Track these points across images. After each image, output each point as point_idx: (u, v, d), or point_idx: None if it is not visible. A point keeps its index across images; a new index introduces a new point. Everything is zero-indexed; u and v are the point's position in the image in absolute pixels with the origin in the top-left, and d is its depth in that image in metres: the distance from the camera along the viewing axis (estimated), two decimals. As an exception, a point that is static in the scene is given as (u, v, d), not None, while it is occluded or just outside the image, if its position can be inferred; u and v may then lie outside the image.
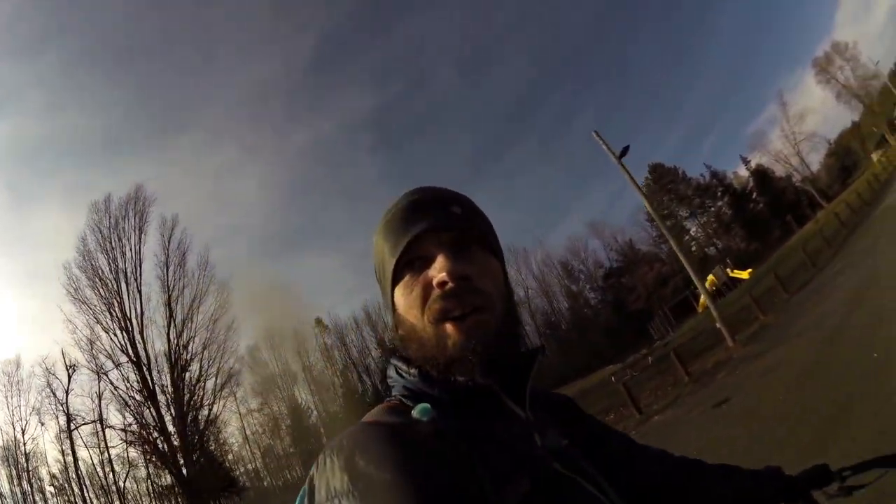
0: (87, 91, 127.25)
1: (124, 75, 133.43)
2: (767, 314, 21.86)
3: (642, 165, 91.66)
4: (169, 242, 44.14)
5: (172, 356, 41.27)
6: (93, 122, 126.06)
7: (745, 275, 56.88)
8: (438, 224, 1.04)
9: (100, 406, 40.91)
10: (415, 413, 0.97)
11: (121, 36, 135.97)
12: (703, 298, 59.27)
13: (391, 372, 1.12)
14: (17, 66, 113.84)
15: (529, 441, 1.04)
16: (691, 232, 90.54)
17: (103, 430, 41.31)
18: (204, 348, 43.02)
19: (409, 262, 1.06)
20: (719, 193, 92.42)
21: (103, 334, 40.10)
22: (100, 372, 39.94)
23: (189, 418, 40.63)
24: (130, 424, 39.04)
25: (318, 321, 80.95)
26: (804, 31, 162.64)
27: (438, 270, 1.00)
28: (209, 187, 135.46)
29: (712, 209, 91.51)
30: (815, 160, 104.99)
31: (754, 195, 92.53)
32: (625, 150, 22.62)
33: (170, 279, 43.28)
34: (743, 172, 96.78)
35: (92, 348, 39.34)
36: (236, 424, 68.10)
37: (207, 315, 43.88)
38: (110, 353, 39.92)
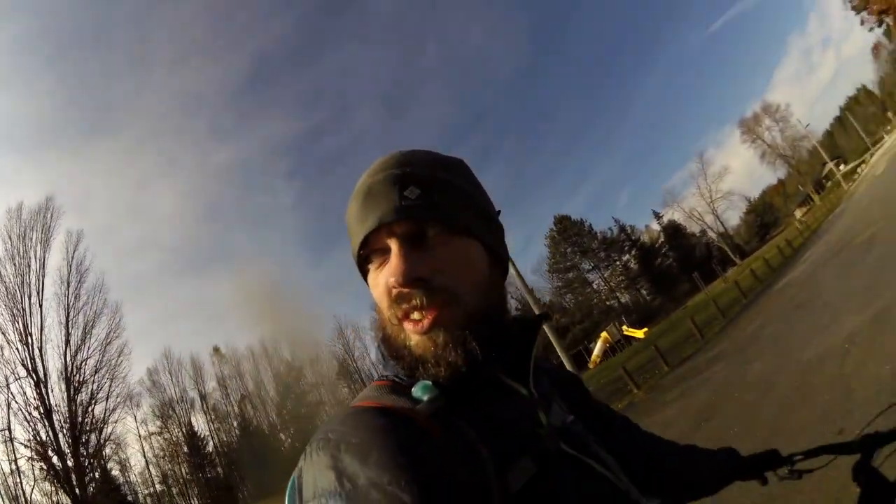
0: (26, 77, 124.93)
1: (63, 66, 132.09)
2: (641, 388, 20.44)
3: (552, 214, 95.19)
4: (72, 259, 44.09)
5: (68, 375, 41.11)
6: (27, 111, 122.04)
7: (639, 334, 56.57)
8: (389, 217, 0.93)
9: (8, 416, 39.67)
10: (415, 391, 0.92)
11: (65, 26, 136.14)
12: (594, 354, 58.98)
13: (380, 356, 1.05)
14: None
15: (533, 420, 0.99)
16: (594, 285, 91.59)
17: (11, 441, 39.54)
18: (96, 371, 43.14)
19: (371, 255, 0.99)
20: (626, 247, 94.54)
21: (5, 346, 39.91)
22: (7, 384, 39.43)
23: (83, 439, 40.38)
24: (29, 440, 39.15)
25: (216, 349, 78.73)
26: (741, 88, 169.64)
27: (390, 274, 0.92)
28: (125, 197, 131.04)
29: (618, 262, 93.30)
30: (735, 216, 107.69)
31: (664, 250, 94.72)
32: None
33: (69, 297, 43.16)
34: (657, 227, 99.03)
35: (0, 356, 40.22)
36: (136, 446, 67.44)
37: (100, 338, 44.00)
38: (12, 366, 39.72)
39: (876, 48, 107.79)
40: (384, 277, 0.94)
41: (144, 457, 67.60)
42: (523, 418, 0.97)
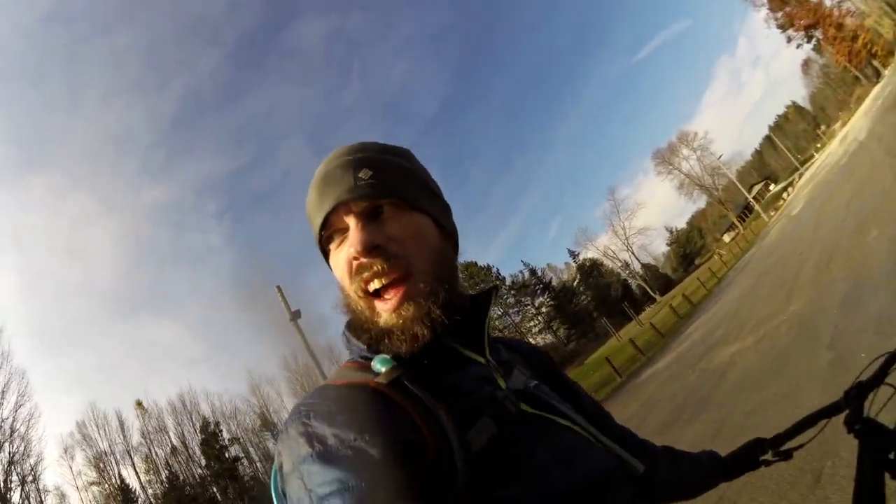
0: None
1: None
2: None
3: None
4: None
5: None
6: None
7: None
8: (345, 196, 1.02)
9: None
10: (374, 365, 0.97)
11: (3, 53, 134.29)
12: None
13: (344, 340, 1.12)
14: None
15: (493, 385, 1.03)
16: (504, 332, 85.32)
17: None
18: (11, 433, 45.14)
19: (331, 236, 1.07)
20: (538, 290, 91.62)
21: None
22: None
23: (7, 496, 42.64)
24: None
25: (139, 403, 74.95)
26: (669, 116, 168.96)
27: (350, 244, 1.01)
28: (58, 237, 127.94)
29: (529, 306, 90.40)
30: (661, 247, 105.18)
31: (580, 290, 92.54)
32: (297, 314, 21.68)
33: None
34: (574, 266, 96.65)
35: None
36: (76, 496, 65.83)
37: (11, 403, 46.10)
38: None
39: (806, 64, 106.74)
40: (344, 251, 1.02)
41: (86, 507, 67.63)
42: (482, 383, 1.00)
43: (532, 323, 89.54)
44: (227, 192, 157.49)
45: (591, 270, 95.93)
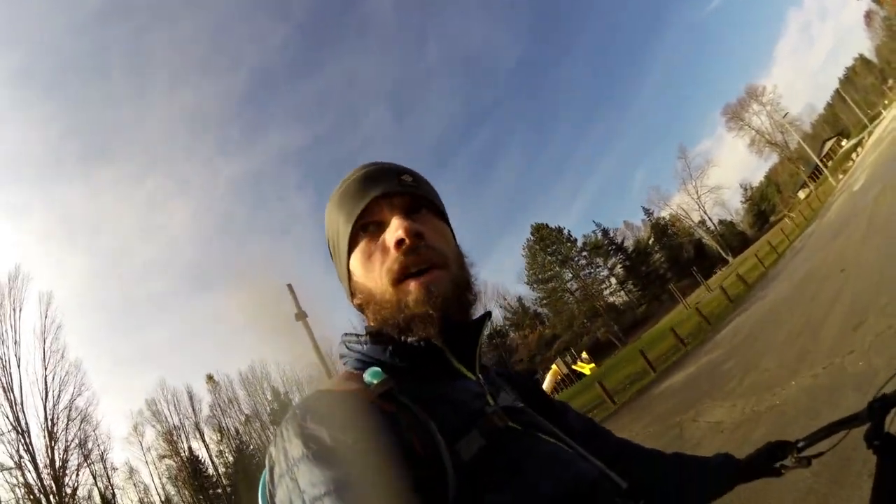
0: (25, 105, 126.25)
1: (60, 93, 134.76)
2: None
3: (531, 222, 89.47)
4: (45, 319, 46.56)
5: (49, 427, 43.79)
6: (31, 141, 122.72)
7: (586, 370, 52.18)
8: (391, 190, 1.09)
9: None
10: (366, 377, 0.98)
11: (60, 51, 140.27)
12: (545, 387, 54.36)
13: (342, 350, 1.14)
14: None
15: (482, 401, 1.04)
16: (576, 293, 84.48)
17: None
18: (67, 423, 45.97)
19: (364, 227, 1.10)
20: (611, 251, 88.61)
21: (-6, 404, 42.02)
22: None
23: (65, 482, 42.71)
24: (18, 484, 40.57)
25: (210, 377, 78.37)
26: (742, 70, 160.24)
27: (395, 230, 1.04)
28: (135, 220, 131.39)
29: (601, 268, 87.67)
30: (738, 202, 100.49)
31: (654, 250, 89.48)
32: (303, 314, 21.56)
33: (45, 355, 45.69)
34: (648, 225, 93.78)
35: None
36: (146, 470, 71.92)
37: (69, 393, 46.75)
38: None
39: (868, 16, 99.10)
40: (382, 239, 1.06)
41: (153, 481, 70.12)
42: (472, 398, 1.01)
43: (604, 286, 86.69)
44: (308, 163, 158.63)
45: (665, 229, 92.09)
